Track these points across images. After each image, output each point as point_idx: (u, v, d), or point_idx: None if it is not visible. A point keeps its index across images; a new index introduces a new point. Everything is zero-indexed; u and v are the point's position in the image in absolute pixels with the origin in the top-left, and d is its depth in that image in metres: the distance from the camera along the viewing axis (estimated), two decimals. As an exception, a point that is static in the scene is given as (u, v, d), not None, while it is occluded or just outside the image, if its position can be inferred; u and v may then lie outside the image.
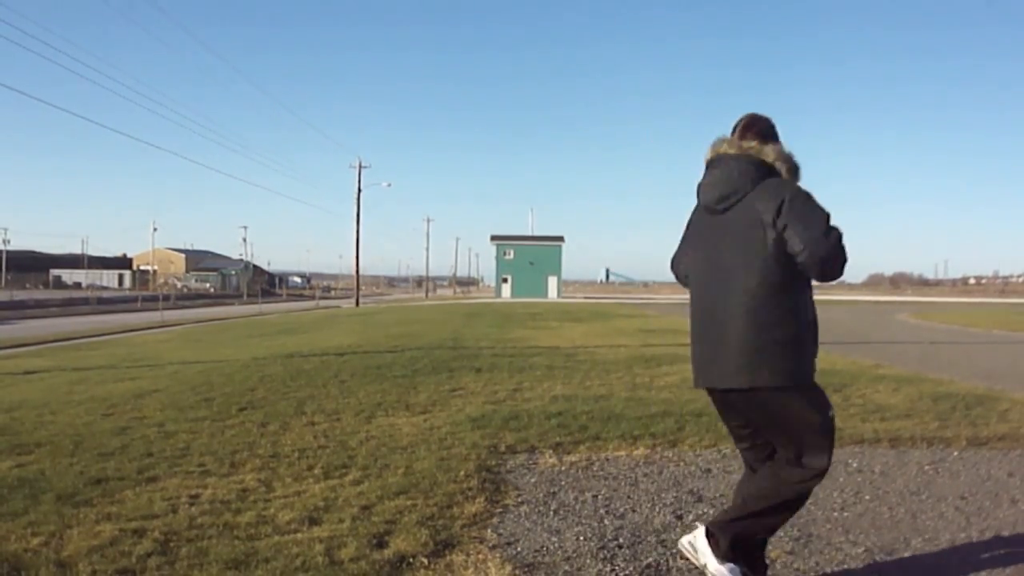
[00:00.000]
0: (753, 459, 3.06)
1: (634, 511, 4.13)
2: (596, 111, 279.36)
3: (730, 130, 2.99)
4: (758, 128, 2.96)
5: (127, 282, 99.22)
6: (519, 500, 4.30)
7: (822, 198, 2.75)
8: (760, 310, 2.72)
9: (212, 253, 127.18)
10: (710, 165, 2.98)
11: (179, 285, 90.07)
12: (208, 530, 3.63)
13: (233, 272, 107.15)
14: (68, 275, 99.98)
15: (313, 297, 77.74)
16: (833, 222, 2.71)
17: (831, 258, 2.68)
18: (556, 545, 3.58)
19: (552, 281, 75.13)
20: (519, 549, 3.52)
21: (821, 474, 2.86)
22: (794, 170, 2.90)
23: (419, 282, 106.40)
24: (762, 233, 2.72)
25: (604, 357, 12.53)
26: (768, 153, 2.87)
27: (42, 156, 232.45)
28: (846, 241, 2.72)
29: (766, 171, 2.85)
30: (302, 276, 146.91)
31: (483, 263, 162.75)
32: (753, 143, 2.90)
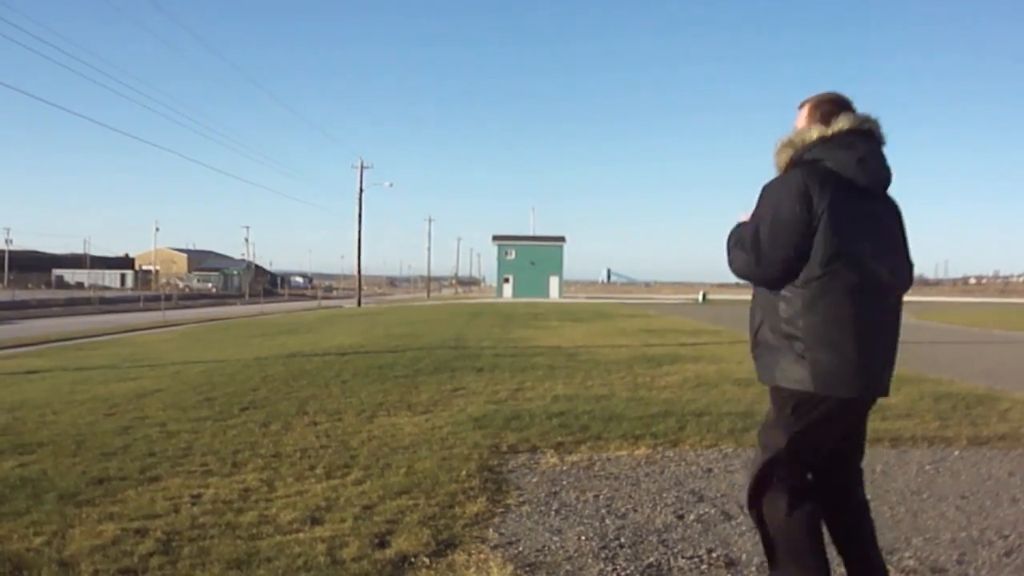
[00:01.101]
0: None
1: (635, 511, 4.14)
2: (597, 109, 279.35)
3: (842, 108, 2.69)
4: None
5: (129, 282, 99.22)
6: (521, 500, 4.31)
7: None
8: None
9: (214, 253, 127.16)
10: (865, 135, 2.63)
11: (181, 285, 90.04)
12: (210, 530, 3.64)
13: (235, 272, 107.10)
14: (70, 275, 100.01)
15: (315, 297, 77.69)
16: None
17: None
18: (558, 545, 3.59)
19: (553, 281, 75.10)
20: (521, 549, 3.52)
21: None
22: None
23: (427, 282, 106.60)
24: None
25: (605, 357, 12.53)
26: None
27: (44, 156, 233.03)
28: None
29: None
30: (304, 276, 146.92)
31: (485, 263, 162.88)
32: None
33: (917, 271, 2.87)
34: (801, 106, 2.76)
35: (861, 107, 2.68)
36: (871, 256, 2.50)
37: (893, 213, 2.68)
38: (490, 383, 9.00)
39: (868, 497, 2.75)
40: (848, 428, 2.69)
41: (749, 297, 2.79)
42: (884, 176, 2.64)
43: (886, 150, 2.68)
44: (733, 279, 3.02)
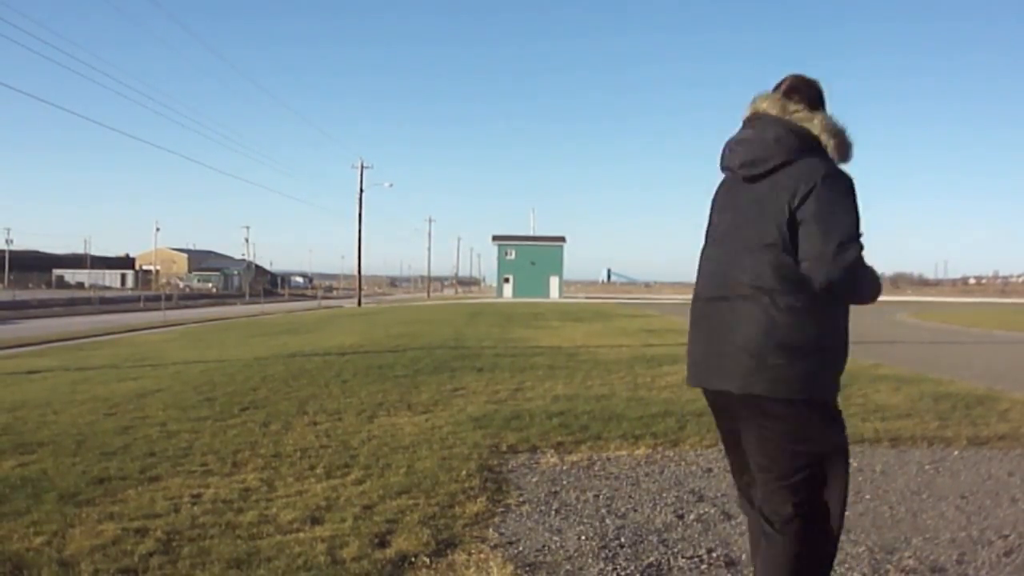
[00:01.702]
0: (750, 498, 2.52)
1: (636, 510, 4.14)
2: (598, 109, 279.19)
3: (772, 89, 2.53)
4: (807, 92, 2.47)
5: (130, 282, 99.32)
6: (521, 500, 4.31)
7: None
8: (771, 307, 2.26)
9: (214, 253, 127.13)
10: (746, 124, 2.51)
11: (181, 285, 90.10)
12: (210, 529, 3.64)
13: (235, 272, 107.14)
14: (71, 275, 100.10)
15: (315, 297, 77.75)
16: (861, 231, 2.25)
17: (838, 282, 2.20)
18: (558, 544, 3.59)
19: (553, 281, 75.11)
20: (521, 548, 3.53)
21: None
22: (843, 148, 2.39)
23: (427, 282, 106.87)
24: (785, 217, 2.26)
25: (605, 357, 12.53)
26: (815, 123, 2.38)
27: (45, 156, 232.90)
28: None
29: (810, 144, 2.36)
30: (304, 276, 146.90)
31: (485, 263, 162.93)
32: (799, 107, 2.42)
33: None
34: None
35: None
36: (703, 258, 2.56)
37: (757, 199, 2.39)
38: (490, 383, 9.01)
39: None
40: (725, 431, 2.57)
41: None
42: (739, 160, 2.46)
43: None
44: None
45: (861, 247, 2.24)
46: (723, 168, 2.56)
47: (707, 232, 2.60)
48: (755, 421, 2.35)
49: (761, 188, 2.37)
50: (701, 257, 2.58)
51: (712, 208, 2.60)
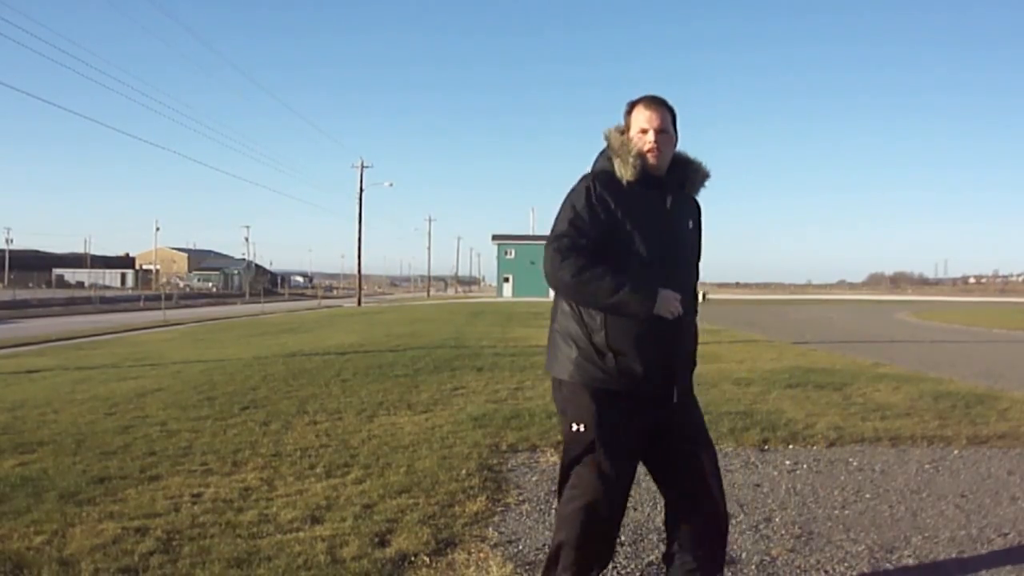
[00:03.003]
0: None
1: (635, 509, 4.14)
2: (597, 106, 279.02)
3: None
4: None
5: (130, 281, 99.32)
6: (520, 499, 4.31)
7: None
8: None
9: (214, 253, 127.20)
10: None
11: (181, 284, 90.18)
12: (210, 529, 3.64)
13: (235, 271, 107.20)
14: (71, 274, 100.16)
15: (315, 296, 77.82)
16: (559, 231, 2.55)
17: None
18: (557, 543, 3.59)
19: (554, 280, 75.04)
20: (520, 547, 3.53)
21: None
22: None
23: (427, 282, 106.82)
24: None
25: (605, 356, 12.51)
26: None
27: (45, 156, 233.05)
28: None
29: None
30: (304, 276, 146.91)
31: (484, 263, 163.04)
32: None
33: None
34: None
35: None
36: None
37: None
38: (490, 382, 9.01)
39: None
40: None
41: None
42: None
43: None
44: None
45: (555, 244, 2.53)
46: None
47: None
48: None
49: None
50: None
51: None
